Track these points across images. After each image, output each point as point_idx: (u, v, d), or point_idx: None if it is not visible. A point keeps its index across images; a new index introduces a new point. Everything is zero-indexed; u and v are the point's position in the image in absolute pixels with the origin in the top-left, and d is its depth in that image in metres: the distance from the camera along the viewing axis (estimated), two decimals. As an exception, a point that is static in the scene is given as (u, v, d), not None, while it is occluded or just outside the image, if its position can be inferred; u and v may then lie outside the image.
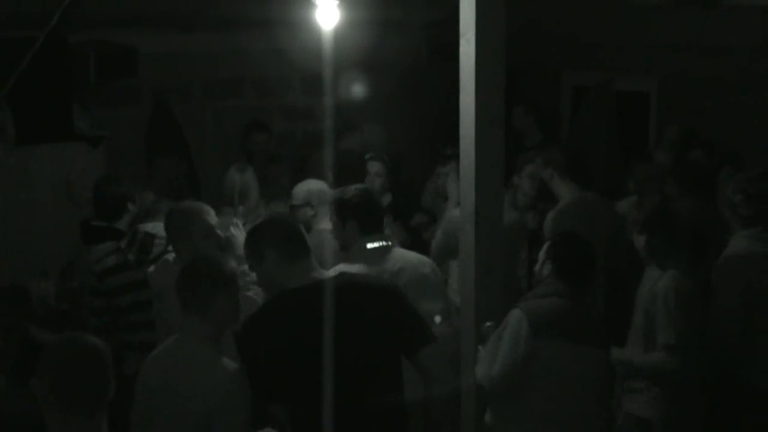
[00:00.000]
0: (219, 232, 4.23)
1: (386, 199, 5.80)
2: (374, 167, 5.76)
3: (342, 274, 3.38)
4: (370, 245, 3.98)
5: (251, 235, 3.34)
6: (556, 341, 3.62)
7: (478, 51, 3.80)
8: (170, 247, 4.33)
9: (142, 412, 3.37)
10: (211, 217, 4.20)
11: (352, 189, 4.07)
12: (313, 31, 5.07)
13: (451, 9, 3.94)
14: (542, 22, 7.68)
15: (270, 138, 6.61)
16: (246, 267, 3.69)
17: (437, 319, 3.97)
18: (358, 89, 7.15)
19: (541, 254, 3.94)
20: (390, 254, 4.06)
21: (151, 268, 4.30)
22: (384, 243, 4.02)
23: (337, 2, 4.94)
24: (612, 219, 5.45)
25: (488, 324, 3.89)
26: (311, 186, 5.09)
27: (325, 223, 4.59)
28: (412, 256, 4.20)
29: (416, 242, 5.59)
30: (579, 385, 3.68)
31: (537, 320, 3.64)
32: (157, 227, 4.59)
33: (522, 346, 3.61)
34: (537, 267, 3.96)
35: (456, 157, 4.24)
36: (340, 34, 4.99)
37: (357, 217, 4.00)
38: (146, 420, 3.35)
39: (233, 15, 6.36)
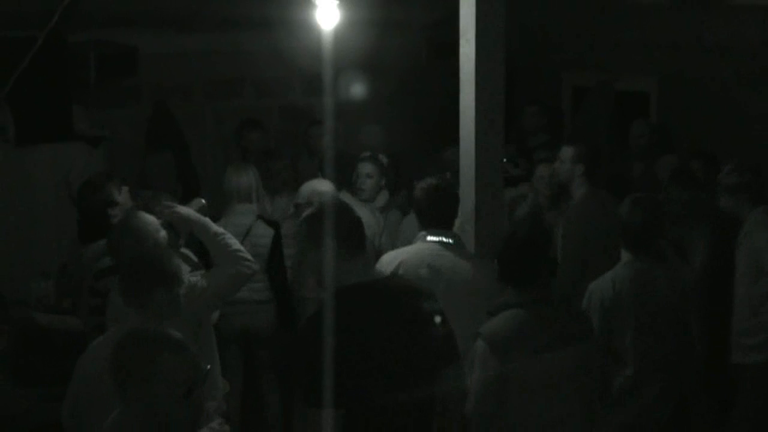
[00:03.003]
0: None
1: (382, 198, 5.79)
2: (365, 168, 5.72)
3: (395, 276, 3.28)
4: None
5: (313, 218, 3.17)
6: (525, 358, 3.40)
7: (478, 51, 3.81)
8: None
9: (76, 403, 3.34)
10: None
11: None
12: (313, 31, 5.06)
13: (451, 9, 3.94)
14: (542, 23, 7.69)
15: (265, 135, 6.61)
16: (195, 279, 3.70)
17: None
18: (358, 89, 7.14)
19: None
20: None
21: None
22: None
23: (337, 2, 4.94)
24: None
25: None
26: (317, 186, 5.07)
27: None
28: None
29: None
30: (558, 389, 3.48)
31: (501, 346, 3.38)
32: None
33: (491, 376, 3.40)
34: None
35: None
36: (340, 34, 4.99)
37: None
38: (80, 410, 3.32)
39: (233, 15, 6.37)
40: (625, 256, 4.11)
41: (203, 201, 4.55)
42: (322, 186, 4.81)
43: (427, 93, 7.67)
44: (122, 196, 4.75)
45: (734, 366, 4.66)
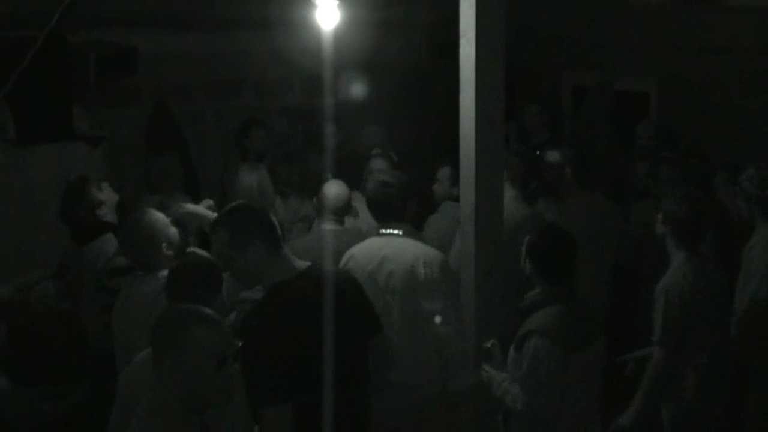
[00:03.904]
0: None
1: None
2: (377, 164, 5.74)
3: (315, 266, 3.34)
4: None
5: (234, 224, 3.22)
6: (582, 351, 3.56)
7: (478, 51, 3.80)
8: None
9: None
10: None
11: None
12: (313, 31, 5.07)
13: (451, 9, 3.94)
14: (542, 23, 7.69)
15: (267, 135, 6.61)
16: None
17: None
18: (358, 89, 7.15)
19: (522, 249, 3.82)
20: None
21: None
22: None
23: (337, 2, 4.94)
24: (619, 218, 5.45)
25: (492, 342, 3.83)
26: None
27: (329, 224, 4.60)
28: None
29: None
30: (594, 381, 3.65)
31: (563, 339, 3.52)
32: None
33: (558, 370, 3.51)
34: (521, 262, 3.86)
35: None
36: (340, 34, 4.99)
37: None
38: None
39: (233, 15, 6.37)
40: (679, 253, 4.13)
41: (211, 201, 4.63)
42: (335, 187, 4.77)
43: (427, 93, 7.68)
44: (104, 193, 4.78)
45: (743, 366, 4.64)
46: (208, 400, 2.57)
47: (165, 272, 3.68)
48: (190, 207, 4.24)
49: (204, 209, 4.31)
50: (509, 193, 4.89)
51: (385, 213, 4.24)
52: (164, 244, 3.98)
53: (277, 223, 3.30)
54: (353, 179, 5.37)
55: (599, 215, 5.26)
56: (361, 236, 4.49)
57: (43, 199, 5.96)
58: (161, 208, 4.44)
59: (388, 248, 4.12)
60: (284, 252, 3.27)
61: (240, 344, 2.70)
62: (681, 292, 4.04)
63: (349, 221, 4.90)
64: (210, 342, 2.52)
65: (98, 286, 4.65)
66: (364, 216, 5.01)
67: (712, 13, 6.64)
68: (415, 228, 4.51)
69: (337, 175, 5.22)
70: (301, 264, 3.29)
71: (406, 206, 4.27)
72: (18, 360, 4.35)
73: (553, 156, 5.27)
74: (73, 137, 5.84)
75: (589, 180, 5.42)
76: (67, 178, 5.87)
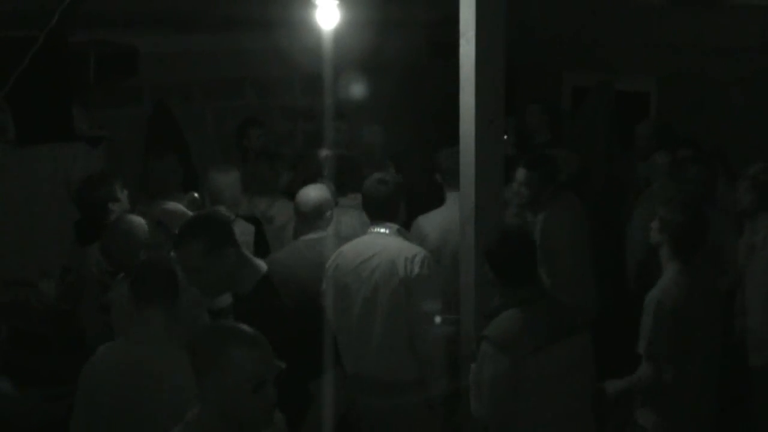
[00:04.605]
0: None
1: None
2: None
3: (271, 275, 3.36)
4: None
5: (210, 235, 3.21)
6: (534, 356, 3.47)
7: (478, 51, 3.80)
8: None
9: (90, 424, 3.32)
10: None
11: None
12: (313, 31, 5.07)
13: (451, 9, 3.94)
14: (542, 23, 7.69)
15: (266, 134, 6.61)
16: None
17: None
18: (358, 89, 7.14)
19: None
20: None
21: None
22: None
23: (337, 2, 4.95)
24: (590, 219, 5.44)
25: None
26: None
27: (306, 232, 4.58)
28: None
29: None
30: (567, 382, 3.58)
31: (508, 344, 3.47)
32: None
33: (506, 381, 3.48)
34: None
35: None
36: (340, 34, 5.00)
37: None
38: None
39: (233, 15, 6.36)
40: (674, 263, 4.03)
41: (195, 195, 4.59)
42: (312, 192, 4.70)
43: (427, 93, 7.67)
44: (123, 195, 4.78)
45: (750, 369, 4.62)
46: (246, 422, 2.49)
47: None
48: (171, 206, 4.23)
49: (184, 208, 4.29)
50: None
51: (376, 210, 4.25)
52: (142, 251, 4.00)
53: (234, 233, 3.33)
54: (348, 182, 5.36)
55: (576, 222, 5.23)
56: (343, 242, 4.45)
57: (44, 199, 5.96)
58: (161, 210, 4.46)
59: (374, 246, 4.14)
60: (245, 253, 3.34)
61: (282, 365, 2.59)
62: (673, 305, 3.92)
63: (332, 227, 4.78)
64: (249, 364, 2.44)
65: (100, 286, 4.65)
66: (349, 221, 4.99)
67: (712, 13, 6.64)
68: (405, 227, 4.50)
69: (338, 176, 5.22)
70: (261, 266, 3.34)
71: (399, 207, 4.27)
72: (18, 361, 4.35)
73: (522, 175, 5.16)
74: (73, 137, 5.83)
75: (560, 187, 5.34)
76: (68, 178, 5.88)
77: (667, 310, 3.91)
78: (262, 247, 5.18)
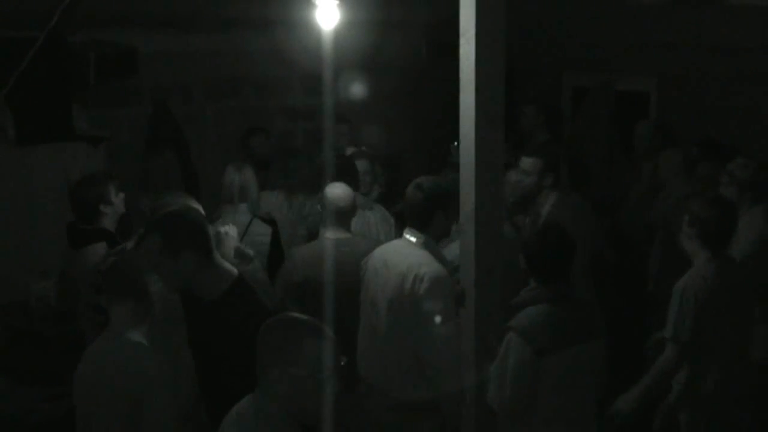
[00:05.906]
0: None
1: (374, 193, 5.77)
2: (362, 166, 5.68)
3: (244, 277, 3.30)
4: None
5: (166, 231, 3.15)
6: (558, 353, 3.58)
7: (478, 51, 3.79)
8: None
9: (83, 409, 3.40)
10: None
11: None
12: (313, 31, 5.07)
13: (451, 9, 3.93)
14: (542, 23, 7.69)
15: (267, 138, 6.61)
16: None
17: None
18: (358, 89, 7.14)
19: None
20: None
21: None
22: None
23: (337, 2, 4.94)
24: (591, 218, 5.42)
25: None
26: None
27: (331, 231, 4.54)
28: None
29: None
30: (582, 384, 3.67)
31: (534, 337, 3.57)
32: None
33: (528, 370, 3.57)
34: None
35: None
36: (340, 34, 4.99)
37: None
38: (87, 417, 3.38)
39: (233, 15, 6.37)
40: (702, 253, 4.12)
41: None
42: (337, 190, 4.62)
43: (427, 93, 7.67)
44: (118, 198, 4.73)
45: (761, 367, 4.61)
46: (308, 413, 2.51)
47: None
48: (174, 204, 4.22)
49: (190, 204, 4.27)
50: None
51: (409, 216, 4.11)
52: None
53: (211, 233, 3.25)
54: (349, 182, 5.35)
55: (578, 218, 5.21)
56: (370, 243, 4.43)
57: (43, 199, 5.95)
58: (156, 208, 4.43)
59: (397, 255, 4.04)
60: (216, 260, 3.21)
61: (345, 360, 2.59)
62: (698, 293, 4.01)
63: (357, 225, 4.76)
64: (318, 355, 2.46)
65: (95, 288, 4.64)
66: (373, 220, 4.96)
67: (712, 13, 6.63)
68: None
69: (338, 177, 5.21)
70: (232, 271, 3.24)
71: (432, 215, 4.04)
72: (17, 361, 4.35)
73: (532, 165, 5.09)
74: (73, 137, 5.83)
75: (558, 181, 5.34)
76: (68, 178, 5.88)
77: (691, 297, 3.99)
78: (277, 248, 5.19)
